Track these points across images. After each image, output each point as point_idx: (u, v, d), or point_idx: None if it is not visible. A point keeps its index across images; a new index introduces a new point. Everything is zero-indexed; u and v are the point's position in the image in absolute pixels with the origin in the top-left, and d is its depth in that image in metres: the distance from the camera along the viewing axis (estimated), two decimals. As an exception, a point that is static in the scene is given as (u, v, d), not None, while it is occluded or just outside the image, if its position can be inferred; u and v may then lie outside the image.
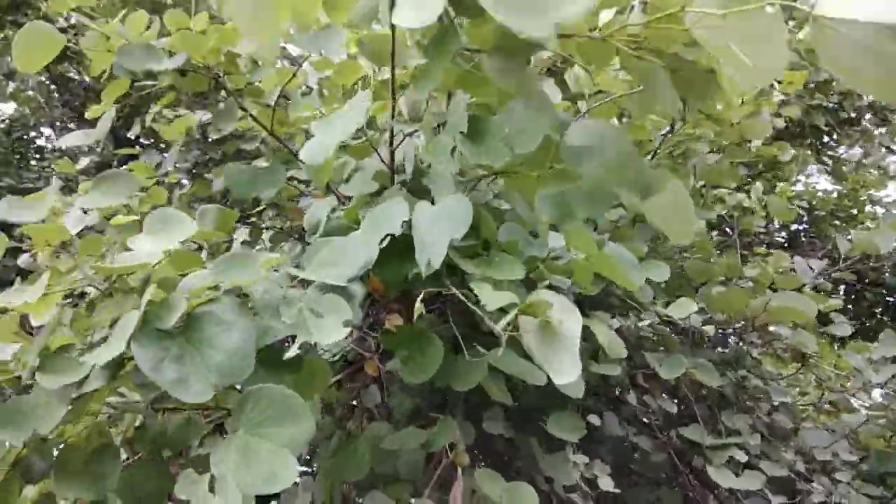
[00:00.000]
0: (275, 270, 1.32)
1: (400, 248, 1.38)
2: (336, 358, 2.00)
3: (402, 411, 1.91)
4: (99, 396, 1.30)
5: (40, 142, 6.84)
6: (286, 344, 1.38)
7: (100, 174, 1.83)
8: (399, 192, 1.59)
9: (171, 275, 1.35)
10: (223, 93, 2.38)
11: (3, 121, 6.46)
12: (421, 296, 1.32)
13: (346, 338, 1.82)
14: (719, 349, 3.20)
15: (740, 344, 3.11)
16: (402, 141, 1.79)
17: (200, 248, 1.77)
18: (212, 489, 1.03)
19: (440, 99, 1.70)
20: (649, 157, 2.96)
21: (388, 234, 1.37)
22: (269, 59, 2.40)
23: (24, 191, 5.73)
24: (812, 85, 5.06)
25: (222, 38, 2.08)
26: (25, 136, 6.62)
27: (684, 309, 2.17)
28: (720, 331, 3.06)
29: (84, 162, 2.62)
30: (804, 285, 2.86)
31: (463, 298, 1.32)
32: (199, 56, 2.10)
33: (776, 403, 2.93)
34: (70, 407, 1.14)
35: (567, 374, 1.10)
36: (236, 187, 2.09)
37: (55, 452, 1.25)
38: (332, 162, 1.69)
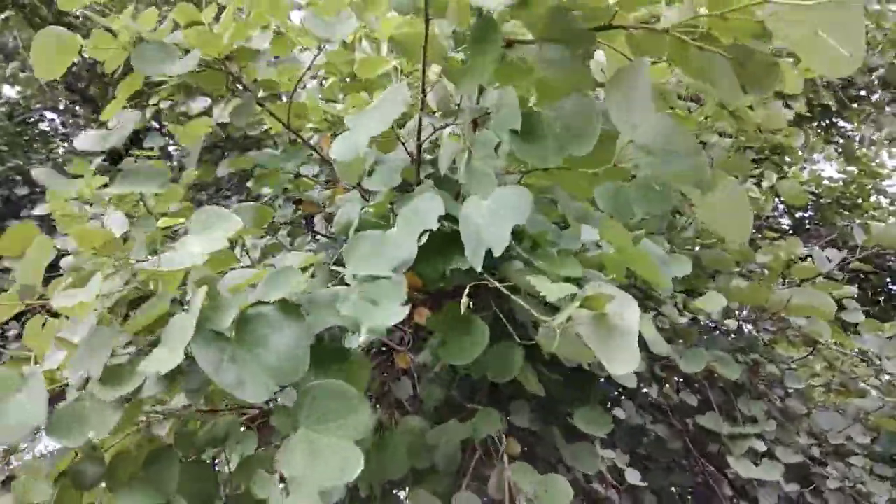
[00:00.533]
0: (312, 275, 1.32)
1: (437, 244, 1.37)
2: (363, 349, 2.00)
3: (431, 403, 1.91)
4: (139, 403, 1.29)
5: (43, 126, 6.76)
6: (322, 338, 1.37)
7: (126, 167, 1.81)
8: (431, 187, 1.58)
9: (209, 274, 1.34)
10: (231, 80, 2.34)
11: (5, 104, 6.37)
12: (467, 290, 1.32)
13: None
14: (732, 336, 3.21)
15: (753, 331, 3.13)
16: (430, 135, 1.77)
17: (233, 246, 1.77)
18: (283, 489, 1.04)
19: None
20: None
21: (425, 231, 1.36)
22: (284, 52, 2.37)
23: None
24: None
25: (236, 33, 2.04)
26: (30, 120, 6.54)
27: (715, 303, 2.16)
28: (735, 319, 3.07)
29: (96, 161, 2.59)
30: (820, 275, 2.86)
31: (506, 291, 1.31)
32: (216, 52, 2.05)
33: (790, 390, 2.95)
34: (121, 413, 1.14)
35: (626, 364, 1.11)
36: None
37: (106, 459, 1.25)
38: (363, 158, 1.68)
